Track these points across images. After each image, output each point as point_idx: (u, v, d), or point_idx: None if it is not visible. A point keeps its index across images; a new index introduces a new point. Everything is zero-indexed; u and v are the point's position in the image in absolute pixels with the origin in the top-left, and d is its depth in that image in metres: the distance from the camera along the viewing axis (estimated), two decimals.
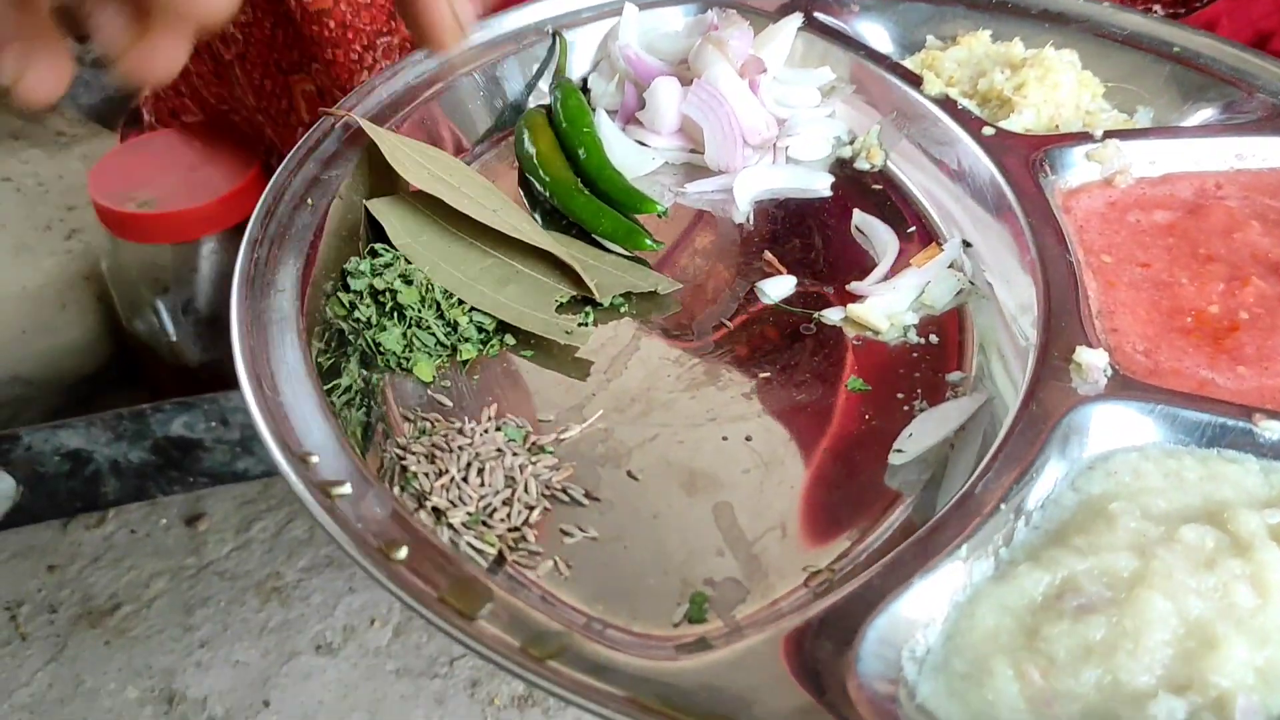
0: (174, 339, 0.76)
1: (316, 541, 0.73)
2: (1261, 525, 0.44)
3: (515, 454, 0.50)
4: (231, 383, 0.48)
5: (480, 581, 0.42)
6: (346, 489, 0.44)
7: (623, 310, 0.58)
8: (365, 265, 0.57)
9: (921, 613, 0.42)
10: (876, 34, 0.75)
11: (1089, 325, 0.53)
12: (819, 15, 0.73)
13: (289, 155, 0.59)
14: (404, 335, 0.55)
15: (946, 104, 0.66)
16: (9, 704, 0.63)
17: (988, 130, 0.64)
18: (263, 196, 0.57)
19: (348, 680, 0.65)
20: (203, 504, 0.75)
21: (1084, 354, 0.50)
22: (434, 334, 0.55)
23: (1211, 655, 0.39)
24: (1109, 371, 0.50)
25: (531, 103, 0.71)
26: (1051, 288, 0.54)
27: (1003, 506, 0.45)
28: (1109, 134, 0.64)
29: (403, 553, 0.42)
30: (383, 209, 0.59)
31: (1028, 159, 0.62)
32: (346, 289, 0.56)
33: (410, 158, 0.60)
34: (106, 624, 0.68)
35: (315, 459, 0.45)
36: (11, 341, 0.78)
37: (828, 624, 0.41)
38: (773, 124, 0.67)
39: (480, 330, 0.56)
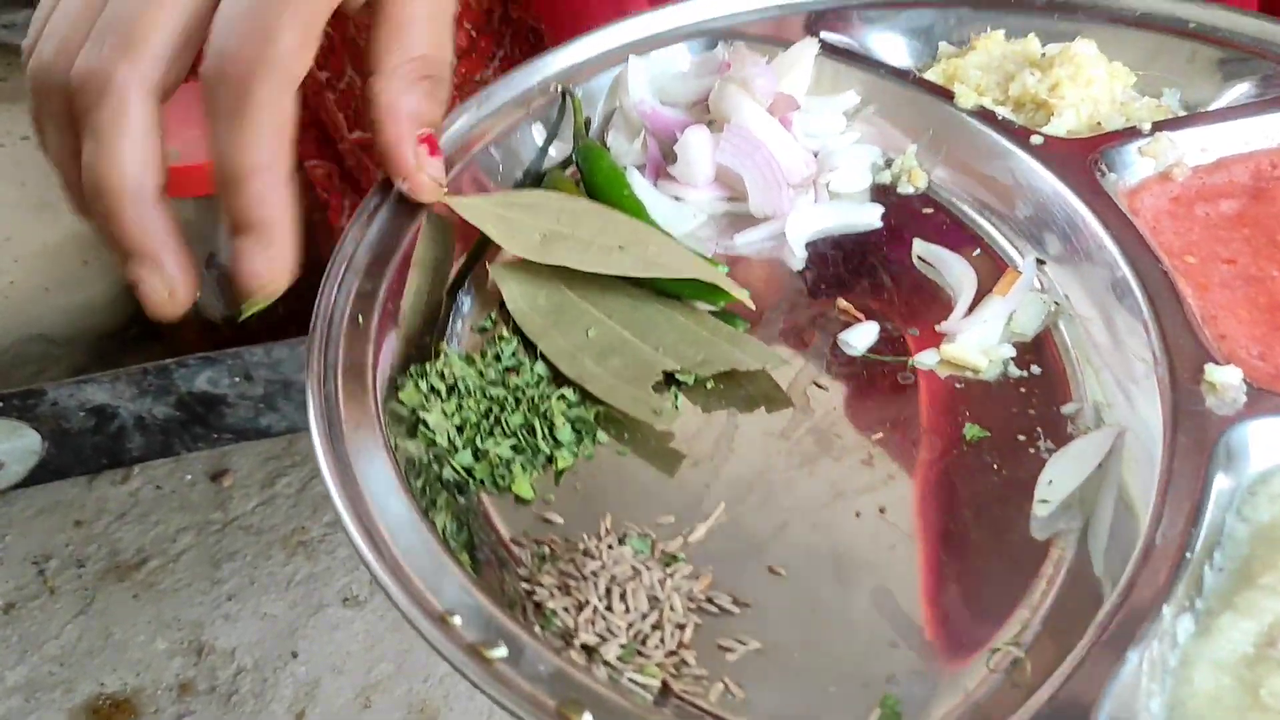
0: (197, 294, 0.74)
1: None
2: None
3: (649, 568, 0.47)
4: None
5: None
6: (502, 650, 0.41)
7: (709, 386, 0.55)
8: (427, 382, 0.53)
9: (1141, 686, 0.40)
10: (885, 45, 0.72)
11: (1203, 337, 0.51)
12: (825, 35, 0.71)
13: (328, 268, 0.55)
14: (476, 455, 0.51)
15: (986, 115, 0.64)
16: (39, 655, 0.64)
17: (1036, 139, 0.62)
18: (313, 323, 0.52)
19: (374, 632, 0.66)
20: (227, 460, 0.75)
21: (1216, 372, 0.48)
22: (521, 437, 0.52)
23: None
24: (1245, 387, 0.48)
25: (545, 165, 0.67)
26: (1157, 303, 0.52)
27: (1187, 555, 0.43)
28: (1157, 126, 0.62)
29: (587, 717, 0.39)
30: (503, 272, 0.57)
31: (1085, 165, 0.60)
32: (418, 420, 0.52)
33: (516, 220, 0.57)
34: (134, 578, 0.68)
35: (457, 619, 0.42)
36: (34, 299, 0.78)
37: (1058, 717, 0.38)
38: (811, 161, 0.64)
39: (575, 429, 0.52)
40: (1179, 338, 0.51)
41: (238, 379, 0.70)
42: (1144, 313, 0.52)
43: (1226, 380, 0.48)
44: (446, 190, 0.56)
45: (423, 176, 0.54)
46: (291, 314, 0.76)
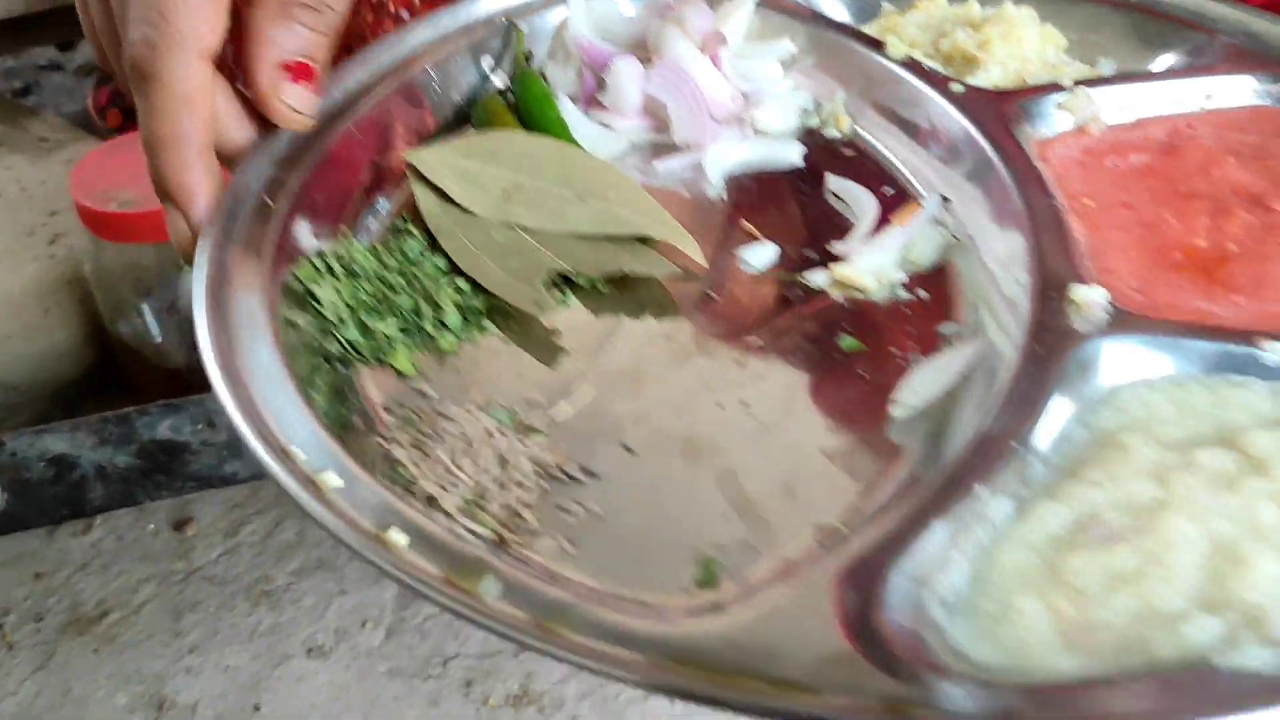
0: (159, 341, 0.76)
1: (306, 544, 0.72)
2: (1277, 444, 0.43)
3: (504, 435, 0.48)
4: None
5: (483, 559, 0.40)
6: (334, 479, 0.42)
7: (604, 291, 0.56)
8: (324, 261, 0.55)
9: (944, 556, 0.40)
10: (831, 6, 0.74)
11: (1081, 264, 0.52)
12: None
13: (247, 158, 0.57)
14: (365, 327, 0.53)
15: (912, 65, 0.65)
16: None
17: (956, 87, 0.63)
18: (222, 200, 0.54)
19: (340, 682, 0.65)
20: (190, 508, 0.75)
21: (1080, 291, 0.49)
22: (409, 319, 0.53)
23: (1242, 573, 0.38)
24: (1109, 308, 0.49)
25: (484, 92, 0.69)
26: (1041, 231, 0.53)
27: (1016, 446, 0.43)
28: (1079, 83, 0.63)
29: (402, 539, 0.40)
30: (417, 172, 0.59)
31: (1000, 112, 0.61)
32: (309, 293, 0.54)
33: (477, 172, 0.58)
34: (95, 631, 0.68)
35: (299, 452, 0.43)
36: None
37: (852, 573, 0.39)
38: (738, 97, 0.66)
39: (463, 315, 0.54)
40: (1055, 262, 0.52)
41: (200, 426, 0.70)
42: (1027, 239, 0.53)
43: (1090, 299, 0.49)
44: (314, 122, 0.57)
45: (277, 103, 0.53)
46: None
